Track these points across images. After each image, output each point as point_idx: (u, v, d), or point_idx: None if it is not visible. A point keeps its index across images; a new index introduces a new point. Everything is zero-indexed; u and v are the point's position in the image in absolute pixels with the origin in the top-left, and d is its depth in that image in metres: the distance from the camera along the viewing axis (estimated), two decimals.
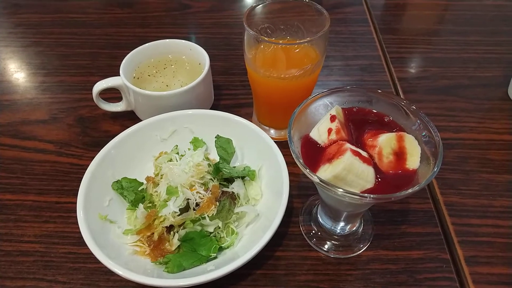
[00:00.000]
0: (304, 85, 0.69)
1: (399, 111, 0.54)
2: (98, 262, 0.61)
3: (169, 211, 0.58)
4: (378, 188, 0.47)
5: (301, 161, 0.46)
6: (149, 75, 0.81)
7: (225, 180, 0.65)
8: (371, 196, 0.43)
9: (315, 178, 0.45)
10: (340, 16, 1.14)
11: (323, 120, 0.52)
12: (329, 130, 0.50)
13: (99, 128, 0.83)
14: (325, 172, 0.47)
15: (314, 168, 0.48)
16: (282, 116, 0.75)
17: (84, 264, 0.62)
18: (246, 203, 0.64)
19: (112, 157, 0.66)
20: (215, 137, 0.67)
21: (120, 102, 0.81)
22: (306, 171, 0.46)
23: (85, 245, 0.63)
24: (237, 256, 0.56)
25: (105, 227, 0.60)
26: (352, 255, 0.62)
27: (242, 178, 0.66)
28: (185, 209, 0.58)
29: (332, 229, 0.63)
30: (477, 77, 0.93)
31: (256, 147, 0.68)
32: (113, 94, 0.82)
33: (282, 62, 0.66)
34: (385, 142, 0.48)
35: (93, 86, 0.77)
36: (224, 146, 0.68)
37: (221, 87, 0.90)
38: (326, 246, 0.63)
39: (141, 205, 0.61)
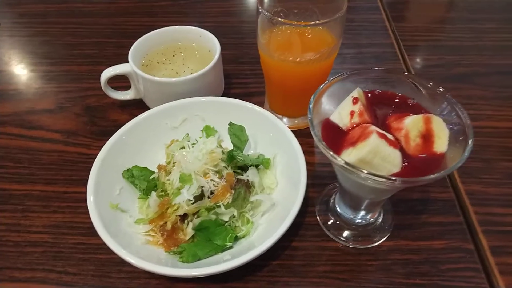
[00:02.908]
0: (320, 70, 0.67)
1: (423, 94, 0.51)
2: (109, 252, 0.59)
3: (183, 199, 0.55)
4: (405, 172, 0.44)
5: (324, 143, 0.44)
6: (158, 63, 0.79)
7: (238, 168, 0.63)
8: (401, 179, 0.40)
9: (339, 161, 0.43)
10: (351, 4, 1.11)
11: (344, 103, 0.50)
12: (352, 113, 0.48)
13: (107, 117, 0.81)
14: (349, 156, 0.45)
15: (336, 153, 0.46)
16: (296, 103, 0.73)
17: (95, 255, 0.60)
18: (261, 191, 0.62)
19: (122, 145, 0.64)
20: (228, 124, 0.65)
21: (129, 90, 0.79)
22: (329, 154, 0.43)
23: (96, 235, 0.61)
24: (253, 246, 0.54)
25: (117, 216, 0.58)
26: (372, 245, 0.60)
27: (256, 166, 0.64)
28: (199, 197, 0.56)
29: (351, 218, 0.61)
30: (493, 65, 0.91)
31: (270, 135, 0.66)
32: (121, 83, 0.80)
33: (298, 46, 0.64)
34: (411, 124, 0.46)
35: (100, 75, 0.75)
36: (237, 133, 0.65)
37: (231, 76, 0.88)
38: (345, 236, 0.61)
39: (153, 193, 0.59)
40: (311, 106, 0.48)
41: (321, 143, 0.44)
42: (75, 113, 0.82)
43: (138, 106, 0.81)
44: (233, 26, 1.04)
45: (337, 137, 0.48)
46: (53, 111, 0.83)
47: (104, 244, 0.61)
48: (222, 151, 0.61)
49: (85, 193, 0.66)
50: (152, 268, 0.49)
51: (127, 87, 0.80)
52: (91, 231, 0.62)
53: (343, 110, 0.49)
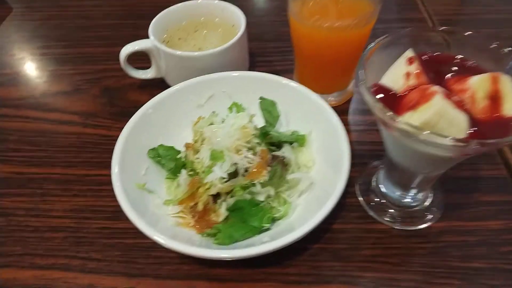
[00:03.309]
0: (357, 38, 0.61)
1: (484, 55, 0.46)
2: (136, 236, 0.56)
3: (216, 176, 0.51)
4: (472, 137, 0.39)
5: (381, 105, 0.39)
6: (179, 39, 0.74)
7: (271, 146, 0.58)
8: (481, 141, 0.35)
9: (401, 125, 0.37)
10: None
11: (397, 65, 0.44)
12: (407, 75, 0.43)
13: (127, 98, 0.77)
14: (410, 120, 0.39)
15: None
16: (329, 77, 0.68)
17: (121, 240, 0.56)
18: (297, 170, 0.57)
19: (147, 122, 0.59)
20: (259, 99, 0.60)
21: (149, 69, 0.74)
22: (388, 115, 0.38)
23: (121, 219, 0.58)
24: (293, 228, 0.50)
25: (144, 197, 0.53)
26: (422, 226, 0.55)
27: (290, 144, 0.59)
28: (233, 175, 0.52)
29: (398, 198, 0.56)
30: None
31: (303, 110, 0.61)
32: (141, 64, 0.76)
33: (334, 10, 0.59)
34: (477, 84, 0.41)
35: (117, 56, 0.71)
36: (269, 108, 0.61)
37: (255, 54, 0.83)
38: (391, 217, 0.56)
39: (183, 171, 0.54)
40: (360, 67, 0.43)
41: (377, 104, 0.39)
42: (92, 95, 0.78)
43: (159, 86, 0.76)
44: (254, 3, 0.99)
45: (391, 102, 0.43)
46: (69, 93, 0.79)
47: (130, 228, 0.56)
48: (255, 126, 0.57)
49: (108, 175, 0.62)
50: (186, 250, 0.45)
51: (146, 67, 0.75)
52: (116, 215, 0.58)
53: (396, 72, 0.44)
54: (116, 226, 0.57)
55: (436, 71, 0.45)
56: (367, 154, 0.64)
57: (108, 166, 0.65)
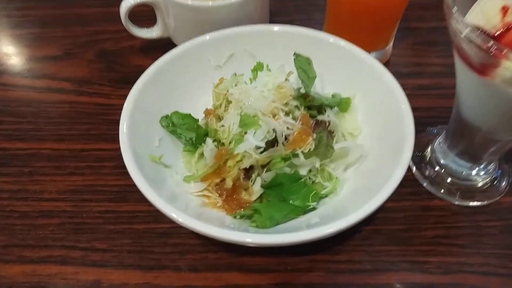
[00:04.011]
0: None
1: None
2: (148, 221, 0.47)
3: (249, 146, 0.41)
4: None
5: (483, 38, 0.30)
6: None
7: (309, 110, 0.48)
8: None
9: None
10: None
11: None
12: (504, 9, 0.34)
13: (128, 63, 0.66)
14: None
15: (492, 59, 0.32)
16: (369, 33, 0.59)
17: (130, 225, 0.46)
18: (342, 139, 0.48)
19: (157, 85, 0.49)
20: (294, 55, 0.50)
21: (155, 26, 0.63)
22: (495, 48, 0.29)
23: (128, 200, 0.48)
24: (345, 208, 0.41)
25: (160, 172, 0.43)
26: (489, 202, 0.47)
27: (331, 109, 0.49)
28: (271, 143, 0.42)
29: (461, 170, 0.47)
30: None
31: (345, 70, 0.52)
32: (143, 23, 0.64)
33: None
34: None
35: (113, 17, 0.61)
36: (305, 67, 0.51)
37: (274, 13, 0.72)
38: (451, 192, 0.47)
39: (209, 140, 0.44)
40: None
41: (480, 37, 0.30)
42: (87, 60, 0.66)
43: (164, 49, 0.65)
44: None
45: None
46: (59, 57, 0.67)
47: (141, 211, 0.47)
48: (293, 86, 0.47)
49: (109, 150, 0.53)
50: (226, 236, 0.35)
51: (148, 24, 0.64)
52: (122, 196, 0.49)
53: (487, 7, 0.35)
54: (122, 209, 0.47)
55: None
56: (415, 122, 0.55)
57: (108, 139, 0.55)
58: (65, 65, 0.66)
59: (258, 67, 0.54)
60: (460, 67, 0.37)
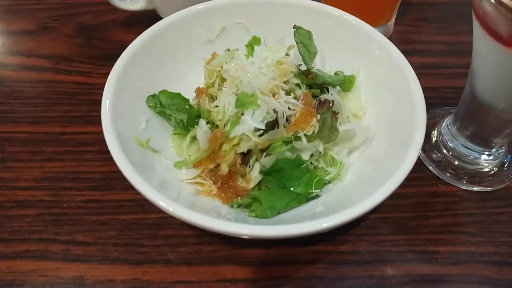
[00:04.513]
0: None
1: None
2: (136, 211, 0.43)
3: (248, 128, 0.37)
4: None
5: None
6: None
7: (311, 88, 0.45)
8: None
9: None
10: None
11: None
12: None
13: (109, 37, 0.60)
14: None
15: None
16: (371, 6, 0.54)
17: (115, 216, 0.42)
18: (346, 121, 0.44)
19: (142, 61, 0.44)
20: (294, 28, 0.46)
21: None
22: None
23: (113, 188, 0.45)
24: (350, 196, 0.38)
25: (148, 157, 0.39)
26: (499, 187, 0.44)
27: (333, 88, 0.46)
28: (271, 125, 0.38)
29: (471, 154, 0.45)
30: None
31: (347, 45, 0.48)
32: None
33: None
34: None
35: None
36: (305, 42, 0.46)
37: None
38: (460, 177, 0.45)
39: (202, 121, 0.40)
40: None
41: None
42: (64, 34, 0.61)
43: (150, 23, 0.59)
44: None
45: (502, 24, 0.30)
46: (33, 32, 0.61)
47: (128, 200, 0.44)
48: (294, 62, 0.43)
49: (91, 133, 0.49)
50: (218, 227, 0.31)
51: None
52: (106, 184, 0.44)
53: None
54: (107, 198, 0.43)
55: None
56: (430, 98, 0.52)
57: (91, 121, 0.50)
58: (41, 40, 0.60)
59: (254, 42, 0.49)
60: (482, 39, 0.34)
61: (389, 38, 0.59)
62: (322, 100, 0.41)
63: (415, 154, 0.35)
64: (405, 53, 0.58)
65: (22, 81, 0.55)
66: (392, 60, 0.43)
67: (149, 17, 0.59)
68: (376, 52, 0.45)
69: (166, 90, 0.45)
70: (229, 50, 0.48)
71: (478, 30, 0.34)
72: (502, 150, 0.45)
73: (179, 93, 0.45)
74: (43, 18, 0.63)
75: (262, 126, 0.37)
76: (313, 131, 0.38)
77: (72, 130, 0.49)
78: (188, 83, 0.48)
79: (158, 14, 0.59)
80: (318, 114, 0.39)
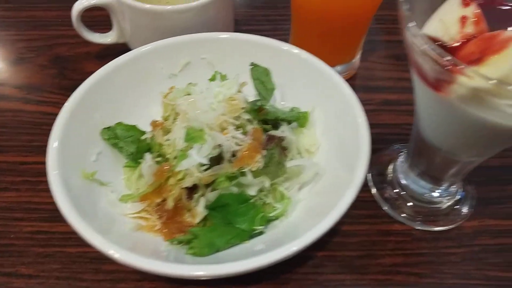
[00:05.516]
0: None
1: None
2: (82, 244, 0.42)
3: (193, 163, 0.38)
4: None
5: (439, 50, 0.27)
6: None
7: (265, 124, 0.45)
8: None
9: (473, 77, 0.26)
10: None
11: (445, 9, 0.33)
12: (463, 20, 0.31)
13: (82, 69, 0.62)
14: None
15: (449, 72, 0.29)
16: (335, 46, 0.56)
17: (61, 248, 0.42)
18: (297, 156, 0.45)
19: (101, 93, 0.46)
20: (251, 65, 0.47)
21: (110, 32, 0.60)
22: (451, 63, 0.26)
23: (62, 220, 0.43)
24: (294, 232, 0.37)
25: (93, 191, 0.39)
26: (451, 226, 0.44)
27: (288, 123, 0.46)
28: (216, 161, 0.39)
29: (423, 192, 0.45)
30: None
31: (305, 82, 0.49)
32: (100, 28, 0.61)
33: None
34: None
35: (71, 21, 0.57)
36: (262, 78, 0.48)
37: (241, 22, 0.70)
38: (413, 216, 0.44)
39: (148, 155, 0.41)
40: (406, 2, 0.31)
41: (435, 51, 0.27)
42: (39, 65, 0.62)
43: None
44: None
45: None
46: (11, 62, 0.63)
47: (75, 232, 0.43)
48: (246, 98, 0.44)
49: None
50: (146, 266, 0.31)
51: (106, 30, 0.61)
52: (56, 215, 0.43)
53: (446, 17, 0.32)
54: (55, 230, 0.43)
55: (493, 18, 0.33)
56: (378, 139, 0.52)
57: None
58: (17, 70, 0.62)
59: (216, 76, 0.51)
60: (417, 83, 0.34)
61: (355, 75, 0.62)
62: (271, 136, 0.42)
63: (354, 193, 0.35)
64: (370, 89, 0.60)
65: None
66: (342, 97, 0.44)
67: (122, 50, 0.61)
68: (330, 89, 0.46)
69: (122, 122, 0.46)
70: (191, 83, 0.50)
71: (413, 74, 0.35)
72: (454, 188, 0.45)
73: (134, 126, 0.46)
74: (21, 49, 0.65)
75: (206, 161, 0.38)
76: (258, 167, 0.39)
77: (32, 160, 0.50)
78: (151, 115, 0.49)
79: (129, 47, 0.61)
80: (265, 150, 0.40)
